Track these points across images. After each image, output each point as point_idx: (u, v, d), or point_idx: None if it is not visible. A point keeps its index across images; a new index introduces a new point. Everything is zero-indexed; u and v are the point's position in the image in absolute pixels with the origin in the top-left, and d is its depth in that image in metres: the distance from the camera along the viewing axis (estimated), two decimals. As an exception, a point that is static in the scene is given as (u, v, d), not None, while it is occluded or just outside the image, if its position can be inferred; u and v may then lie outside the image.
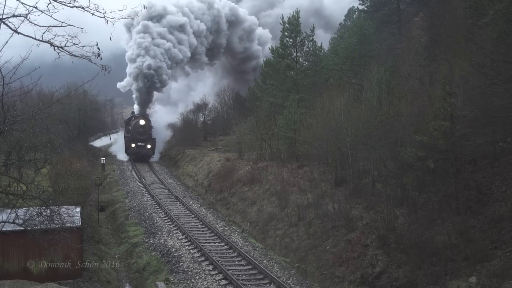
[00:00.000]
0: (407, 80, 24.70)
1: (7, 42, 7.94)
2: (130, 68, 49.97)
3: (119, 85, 54.05)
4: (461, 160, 16.53)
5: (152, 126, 49.36)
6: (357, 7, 35.61)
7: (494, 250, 13.38)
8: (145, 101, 50.83)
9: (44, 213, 13.93)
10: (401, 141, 18.51)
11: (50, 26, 7.12)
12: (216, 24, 56.58)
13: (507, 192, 15.08)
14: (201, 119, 54.52)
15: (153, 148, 48.92)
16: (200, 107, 54.99)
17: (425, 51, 26.97)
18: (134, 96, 52.20)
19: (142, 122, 48.23)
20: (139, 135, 47.84)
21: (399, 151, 17.63)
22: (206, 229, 24.40)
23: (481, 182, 16.01)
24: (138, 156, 48.07)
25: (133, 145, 47.81)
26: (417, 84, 23.37)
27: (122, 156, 51.36)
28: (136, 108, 53.51)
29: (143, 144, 47.81)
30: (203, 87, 63.61)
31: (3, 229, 14.33)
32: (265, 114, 33.59)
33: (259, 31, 62.11)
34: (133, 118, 52.12)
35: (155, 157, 50.87)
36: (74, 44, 7.09)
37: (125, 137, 51.63)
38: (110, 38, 7.03)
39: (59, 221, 14.73)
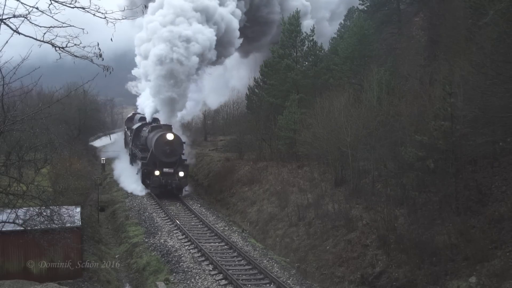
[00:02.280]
0: (407, 80, 24.71)
1: (7, 42, 7.94)
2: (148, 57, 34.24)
3: (130, 84, 44.98)
4: (461, 160, 16.53)
5: (184, 142, 32.94)
6: (357, 7, 35.59)
7: (494, 250, 13.39)
8: (172, 102, 33.85)
9: (44, 213, 13.95)
10: (401, 141, 18.51)
11: (51, 26, 7.13)
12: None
13: (507, 192, 15.09)
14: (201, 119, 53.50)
15: (186, 175, 32.09)
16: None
17: (425, 51, 27.00)
18: (151, 92, 35.41)
19: (170, 136, 31.32)
20: (165, 156, 31.16)
21: (399, 151, 17.64)
22: (206, 229, 24.41)
23: (481, 182, 16.02)
24: (165, 190, 31.10)
25: (157, 172, 31.02)
26: (417, 84, 23.38)
27: (133, 185, 33.86)
28: (148, 110, 37.49)
29: (171, 170, 31.14)
30: (237, 82, 53.04)
31: (3, 229, 14.33)
32: (265, 114, 33.57)
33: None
34: (145, 129, 36.30)
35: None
36: (75, 44, 7.09)
37: (139, 158, 34.05)
38: (111, 39, 7.03)
39: (59, 221, 14.76)
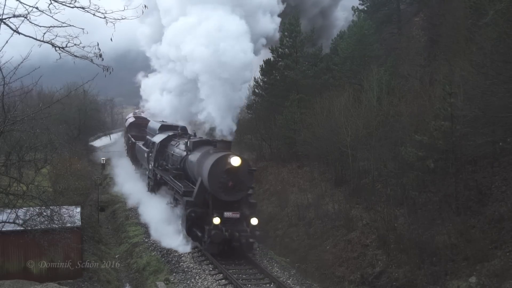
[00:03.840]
0: (407, 80, 24.70)
1: (7, 42, 7.96)
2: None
3: (143, 82, 34.86)
4: (461, 160, 16.55)
5: (254, 169, 20.59)
6: (357, 7, 35.56)
7: (494, 250, 13.40)
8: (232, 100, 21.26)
9: (44, 213, 13.98)
10: (401, 141, 18.52)
11: (51, 26, 7.13)
12: None
13: (507, 192, 15.09)
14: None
15: (259, 223, 19.28)
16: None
17: (425, 51, 26.97)
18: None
19: (235, 161, 18.45)
20: (225, 193, 18.75)
21: (399, 151, 17.65)
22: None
23: (481, 182, 16.03)
24: (228, 247, 18.81)
25: (216, 220, 18.37)
26: (417, 84, 23.39)
27: (171, 236, 21.48)
28: (173, 113, 27.88)
29: (237, 215, 18.88)
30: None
31: (3, 229, 14.36)
32: (265, 114, 33.56)
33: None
34: (175, 143, 24.80)
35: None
36: (75, 44, 7.10)
37: (180, 193, 20.49)
38: (111, 39, 7.03)
39: (60, 221, 14.78)
